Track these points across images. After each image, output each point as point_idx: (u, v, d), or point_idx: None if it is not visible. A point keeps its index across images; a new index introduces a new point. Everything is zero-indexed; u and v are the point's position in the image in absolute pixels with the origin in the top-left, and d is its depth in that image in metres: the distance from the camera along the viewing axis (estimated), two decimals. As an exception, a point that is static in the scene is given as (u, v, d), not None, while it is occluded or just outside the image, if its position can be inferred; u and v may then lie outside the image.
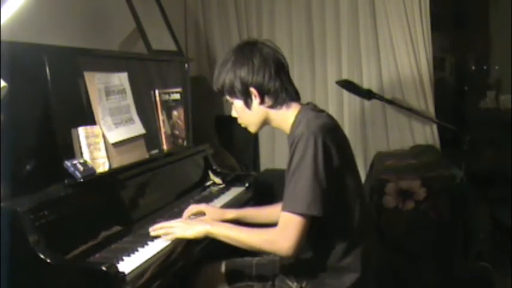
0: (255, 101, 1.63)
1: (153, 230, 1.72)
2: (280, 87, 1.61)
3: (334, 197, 1.53)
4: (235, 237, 1.60)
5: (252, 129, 1.72)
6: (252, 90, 1.61)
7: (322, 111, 1.68)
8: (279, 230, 1.52)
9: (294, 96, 1.65)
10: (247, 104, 1.64)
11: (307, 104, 1.69)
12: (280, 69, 1.63)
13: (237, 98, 1.65)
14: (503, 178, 3.63)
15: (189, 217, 1.89)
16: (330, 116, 1.66)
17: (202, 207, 1.92)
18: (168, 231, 1.69)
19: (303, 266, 1.66)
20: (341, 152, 1.55)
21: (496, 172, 3.87)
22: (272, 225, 1.77)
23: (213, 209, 1.93)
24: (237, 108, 1.68)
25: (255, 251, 1.60)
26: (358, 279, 1.60)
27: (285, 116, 1.64)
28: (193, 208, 1.91)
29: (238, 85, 1.61)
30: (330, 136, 1.53)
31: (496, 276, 2.60)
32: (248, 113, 1.67)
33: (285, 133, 1.67)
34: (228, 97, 1.68)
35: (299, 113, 1.63)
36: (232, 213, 1.92)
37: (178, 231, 1.67)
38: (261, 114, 1.65)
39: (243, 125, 1.73)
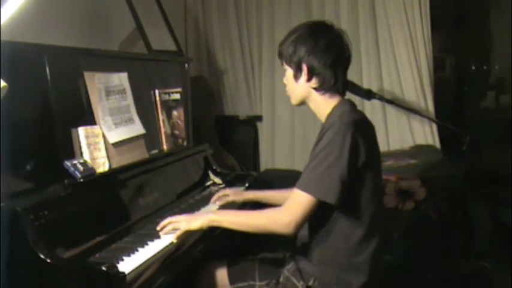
0: (303, 77, 1.69)
1: (161, 227, 1.75)
2: (330, 77, 1.67)
3: (352, 191, 1.56)
4: (239, 221, 1.66)
5: (293, 100, 1.79)
6: (304, 66, 1.68)
7: (361, 112, 1.75)
8: (285, 205, 1.58)
9: (340, 89, 1.71)
10: (296, 76, 1.71)
11: (349, 102, 1.73)
12: (338, 61, 1.68)
13: (290, 67, 1.73)
14: (503, 178, 3.63)
15: (215, 202, 2.12)
16: (364, 115, 1.74)
17: (226, 190, 2.15)
18: (174, 227, 1.72)
19: (311, 262, 1.67)
20: (369, 150, 1.58)
21: (496, 172, 3.87)
22: None
23: (234, 190, 2.16)
24: (287, 76, 1.76)
25: (258, 232, 1.63)
26: (366, 281, 1.62)
27: (325, 103, 1.70)
28: (219, 194, 2.13)
29: (294, 57, 1.69)
30: (361, 132, 1.58)
31: (496, 276, 2.61)
32: (294, 85, 1.74)
33: (320, 120, 1.73)
34: (284, 63, 1.75)
35: (337, 105, 1.68)
36: (251, 194, 2.10)
37: (183, 225, 1.71)
38: (304, 90, 1.72)
39: (287, 93, 1.80)
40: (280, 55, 1.74)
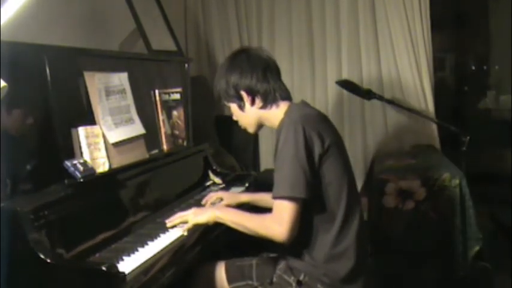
0: (247, 103, 1.76)
1: (170, 221, 1.82)
2: (268, 88, 1.73)
3: (318, 180, 1.61)
4: (239, 222, 1.69)
5: (250, 130, 1.84)
6: (243, 93, 1.74)
7: (312, 107, 1.79)
8: (271, 216, 1.61)
9: (283, 95, 1.76)
10: (241, 106, 1.78)
11: (300, 102, 1.78)
12: (268, 71, 1.74)
13: (232, 102, 1.79)
14: (503, 178, 3.63)
15: (209, 204, 2.05)
16: (317, 110, 1.78)
17: (219, 193, 2.11)
18: (183, 220, 1.79)
19: (300, 259, 1.70)
20: (323, 140, 1.62)
21: (496, 172, 3.88)
22: None
23: (228, 194, 2.13)
24: (234, 111, 1.82)
25: (256, 236, 1.66)
26: (353, 266, 1.65)
27: (276, 115, 1.75)
28: (212, 196, 2.08)
29: (230, 90, 1.75)
30: (310, 123, 1.63)
31: (496, 276, 2.61)
32: (243, 115, 1.80)
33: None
34: (225, 102, 1.81)
35: (288, 109, 1.73)
36: (246, 197, 2.10)
37: (191, 217, 1.78)
38: (254, 115, 1.78)
39: (242, 127, 1.86)
40: (219, 96, 1.80)
